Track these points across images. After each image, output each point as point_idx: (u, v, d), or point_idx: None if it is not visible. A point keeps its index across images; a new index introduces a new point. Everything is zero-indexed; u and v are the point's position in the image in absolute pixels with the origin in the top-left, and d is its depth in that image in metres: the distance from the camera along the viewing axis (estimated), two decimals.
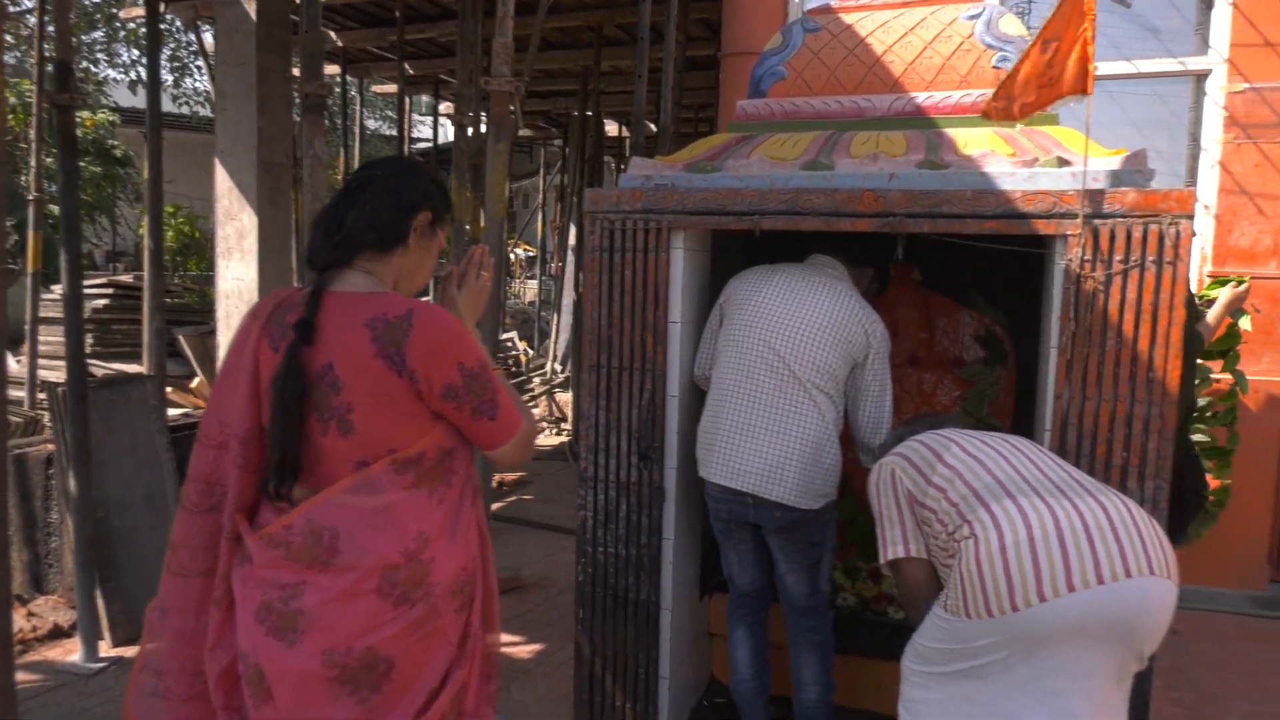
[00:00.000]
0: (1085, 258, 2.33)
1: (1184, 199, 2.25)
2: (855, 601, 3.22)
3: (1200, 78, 4.33)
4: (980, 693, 1.90)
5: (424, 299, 1.91)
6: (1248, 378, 4.21)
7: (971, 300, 3.30)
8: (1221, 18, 4.22)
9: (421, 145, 15.34)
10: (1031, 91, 2.21)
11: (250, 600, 1.56)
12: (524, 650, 3.75)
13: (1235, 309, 3.54)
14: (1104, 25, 4.44)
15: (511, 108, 3.12)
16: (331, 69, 9.15)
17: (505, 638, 3.85)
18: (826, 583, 2.72)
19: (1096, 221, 2.31)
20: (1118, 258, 2.31)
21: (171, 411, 5.18)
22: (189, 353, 7.85)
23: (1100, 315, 2.33)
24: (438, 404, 1.62)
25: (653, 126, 9.16)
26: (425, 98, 11.16)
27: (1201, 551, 4.13)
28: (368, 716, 1.53)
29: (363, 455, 1.58)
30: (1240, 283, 3.51)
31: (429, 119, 11.11)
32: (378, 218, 1.66)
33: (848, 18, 3.02)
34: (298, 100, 3.63)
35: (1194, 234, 3.92)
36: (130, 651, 3.68)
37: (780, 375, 2.58)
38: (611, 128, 12.54)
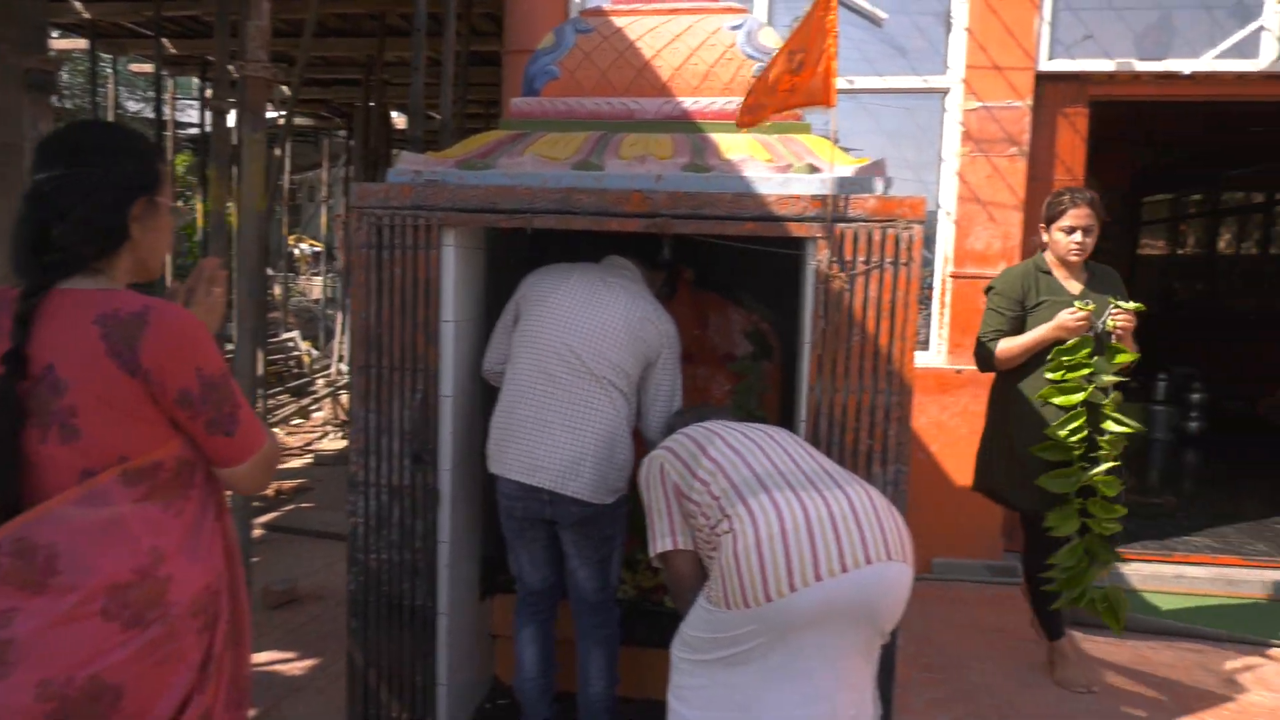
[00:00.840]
0: (832, 259, 2.49)
1: (916, 205, 2.46)
2: (634, 593, 3.29)
3: (942, 95, 4.75)
4: (740, 677, 2.00)
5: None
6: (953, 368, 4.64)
7: (740, 298, 3.46)
8: (958, 42, 4.65)
9: (191, 131, 14.24)
10: (777, 101, 2.33)
11: None
12: (298, 666, 3.57)
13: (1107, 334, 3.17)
14: (860, 42, 4.80)
15: (290, 93, 2.94)
16: (80, 44, 8.33)
17: (279, 654, 3.65)
18: (616, 577, 2.77)
19: (841, 225, 2.47)
20: (860, 259, 2.49)
21: None
22: None
23: (846, 313, 2.50)
24: (171, 410, 1.51)
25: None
26: (198, 80, 10.37)
27: (944, 529, 4.55)
28: None
29: (88, 464, 1.46)
30: (1087, 308, 3.12)
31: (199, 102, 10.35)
32: (90, 227, 1.50)
33: (618, 21, 3.07)
34: None
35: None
36: None
37: (577, 372, 2.59)
38: (400, 120, 12.16)
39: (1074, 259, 3.27)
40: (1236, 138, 7.88)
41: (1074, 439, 3.13)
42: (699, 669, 2.07)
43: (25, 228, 1.50)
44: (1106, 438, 3.12)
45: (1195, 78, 4.51)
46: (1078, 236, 3.25)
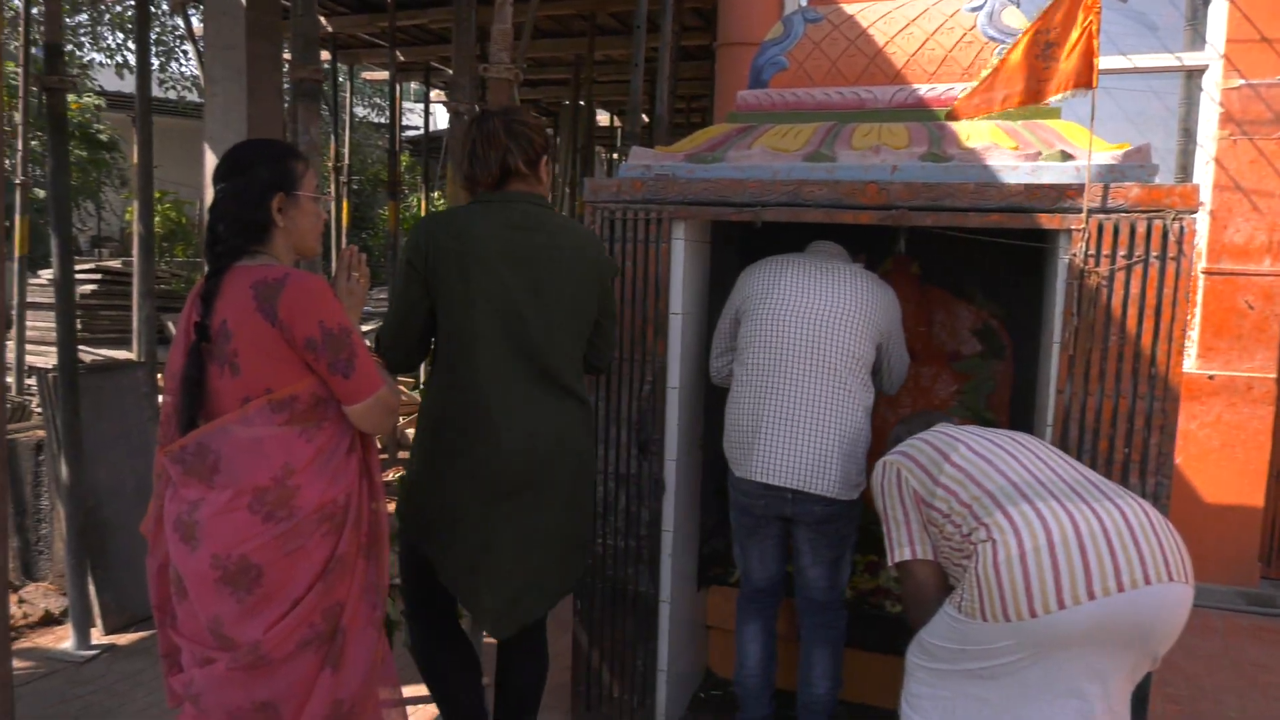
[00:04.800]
0: (1089, 252, 2.32)
1: (1188, 194, 2.25)
2: (851, 595, 3.22)
3: (1193, 73, 4.33)
4: (992, 692, 1.92)
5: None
6: (1241, 374, 4.21)
7: (969, 293, 3.30)
8: (1218, 14, 4.22)
9: (411, 133, 15.23)
10: (1023, 84, 2.19)
11: (170, 515, 1.88)
12: None
13: None
14: (1102, 19, 4.46)
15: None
16: (321, 55, 9.07)
17: None
18: (847, 577, 2.73)
19: (1100, 216, 2.30)
20: (1121, 253, 2.31)
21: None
22: None
23: (1103, 310, 2.33)
24: (301, 352, 1.88)
25: (645, 117, 9.11)
26: (415, 84, 11.07)
27: (1194, 548, 4.16)
28: (244, 611, 1.83)
29: (246, 393, 1.88)
30: None
31: (419, 106, 11.04)
32: (239, 223, 1.93)
33: (849, 8, 3.00)
34: (288, 86, 3.58)
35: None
36: (123, 639, 3.65)
37: (816, 367, 2.57)
38: (602, 117, 12.47)
39: None
40: None
41: None
42: (940, 679, 2.00)
43: (207, 231, 1.97)
44: None
45: None
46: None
